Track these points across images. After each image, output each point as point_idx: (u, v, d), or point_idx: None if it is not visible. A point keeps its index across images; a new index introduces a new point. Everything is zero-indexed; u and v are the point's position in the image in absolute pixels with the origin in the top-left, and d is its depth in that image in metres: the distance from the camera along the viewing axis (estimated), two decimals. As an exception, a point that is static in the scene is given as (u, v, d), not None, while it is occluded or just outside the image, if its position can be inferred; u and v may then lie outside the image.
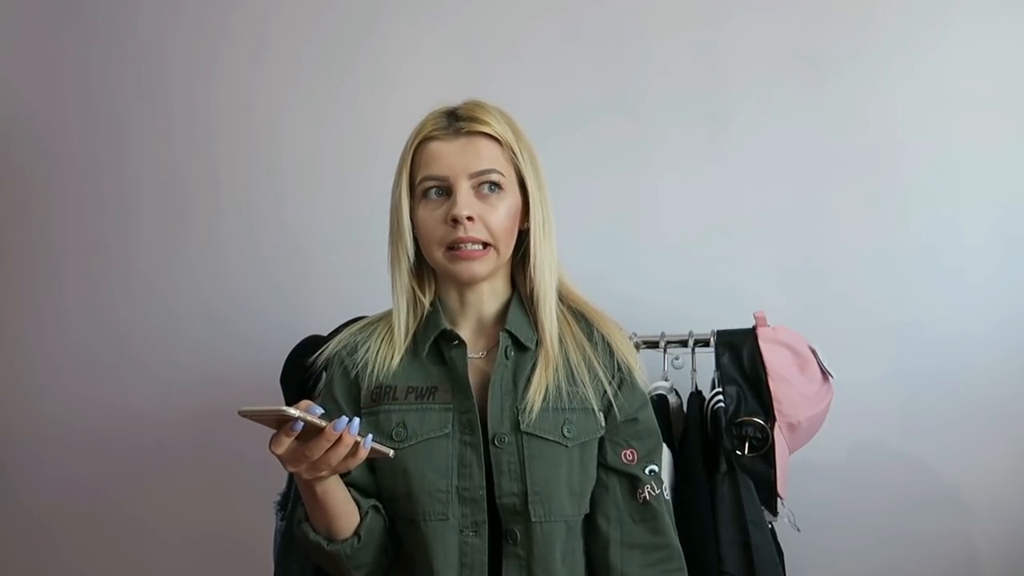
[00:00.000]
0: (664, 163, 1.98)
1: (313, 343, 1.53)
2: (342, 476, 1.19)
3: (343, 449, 1.03)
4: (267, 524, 1.65)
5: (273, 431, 1.02)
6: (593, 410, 1.22)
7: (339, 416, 1.23)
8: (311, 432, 1.01)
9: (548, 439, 1.18)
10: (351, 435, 1.02)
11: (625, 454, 1.23)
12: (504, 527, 1.17)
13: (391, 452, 1.09)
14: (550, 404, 1.19)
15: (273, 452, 1.02)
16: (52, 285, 2.27)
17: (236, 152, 2.18)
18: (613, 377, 1.24)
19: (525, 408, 1.18)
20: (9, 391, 2.30)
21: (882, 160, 1.89)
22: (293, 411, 0.98)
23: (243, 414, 0.98)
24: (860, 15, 1.90)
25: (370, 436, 1.05)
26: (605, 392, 1.23)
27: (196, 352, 2.17)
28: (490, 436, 1.17)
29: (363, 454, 1.05)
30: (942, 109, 1.87)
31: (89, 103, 2.26)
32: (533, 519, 1.16)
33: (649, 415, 1.28)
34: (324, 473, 1.06)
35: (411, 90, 2.07)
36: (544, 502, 1.17)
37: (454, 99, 1.26)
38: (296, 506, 1.23)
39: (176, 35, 2.22)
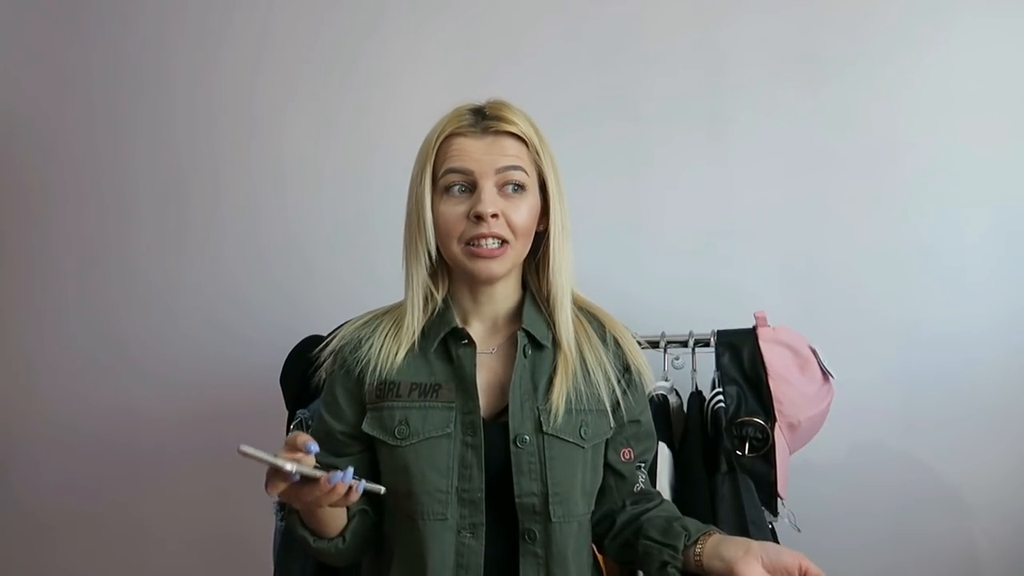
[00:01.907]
0: (665, 164, 1.98)
1: (313, 343, 1.52)
2: None
3: (335, 496, 1.04)
4: (267, 524, 1.65)
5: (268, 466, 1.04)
6: (606, 411, 1.23)
7: (341, 414, 1.24)
8: (306, 477, 1.03)
9: (568, 440, 1.19)
10: (344, 484, 1.03)
11: (624, 452, 1.27)
12: (522, 527, 1.18)
13: (382, 489, 1.10)
14: (572, 406, 1.20)
15: (268, 493, 1.04)
16: (52, 285, 2.27)
17: (237, 152, 2.18)
18: (622, 378, 1.26)
19: (548, 410, 1.19)
20: (9, 392, 2.30)
21: (883, 160, 1.89)
22: (290, 466, 1.00)
23: (242, 453, 1.00)
24: (861, 17, 1.90)
25: (362, 482, 1.05)
26: (614, 391, 1.24)
27: (196, 352, 2.18)
28: (511, 436, 1.18)
29: (355, 496, 1.06)
30: (943, 110, 1.87)
31: (91, 102, 2.26)
32: (553, 519, 1.17)
33: (649, 418, 1.31)
34: (317, 508, 1.08)
35: (413, 91, 2.07)
36: (563, 502, 1.18)
37: (458, 100, 1.25)
38: None
39: (178, 36, 2.22)
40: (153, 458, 2.19)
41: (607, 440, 1.25)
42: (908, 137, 1.89)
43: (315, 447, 1.04)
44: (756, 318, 1.62)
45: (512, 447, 1.17)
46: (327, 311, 1.67)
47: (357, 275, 2.06)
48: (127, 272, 2.23)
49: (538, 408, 1.19)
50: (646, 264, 1.97)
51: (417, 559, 1.17)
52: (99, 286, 2.25)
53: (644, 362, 1.28)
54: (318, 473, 1.02)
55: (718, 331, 1.64)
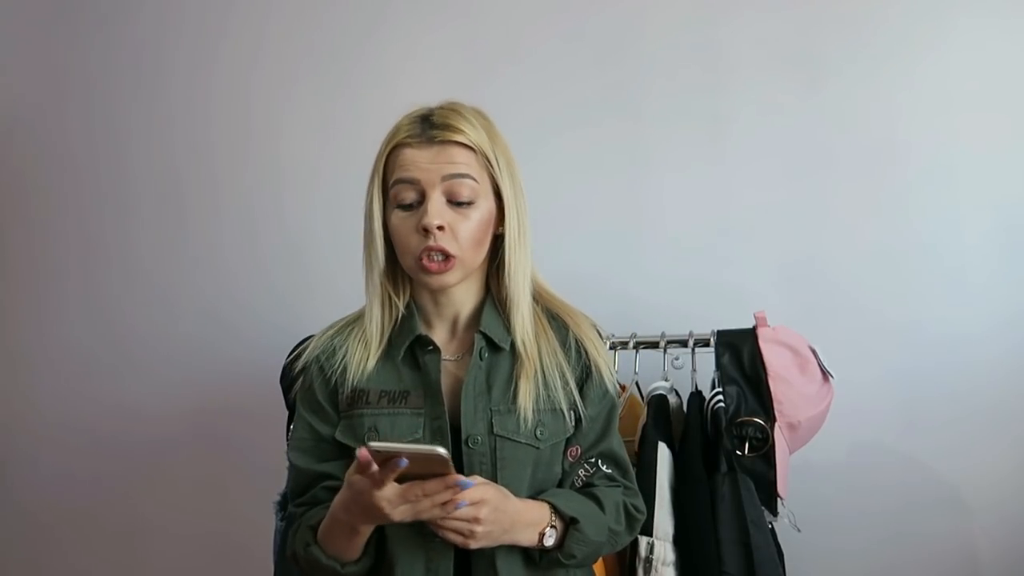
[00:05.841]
0: (665, 163, 1.98)
1: (313, 343, 1.53)
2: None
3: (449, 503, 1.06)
4: (267, 523, 1.65)
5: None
6: (563, 411, 1.22)
7: (328, 418, 1.24)
8: (417, 474, 1.03)
9: (521, 442, 1.19)
10: (463, 491, 1.04)
11: (571, 452, 1.25)
12: None
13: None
14: (532, 408, 1.20)
15: (379, 495, 1.03)
16: (52, 284, 2.27)
17: (236, 152, 2.18)
18: (583, 382, 1.26)
19: (511, 412, 1.19)
20: (9, 390, 2.30)
21: (883, 160, 1.89)
22: (442, 451, 1.01)
23: (372, 449, 1.01)
24: (860, 16, 1.90)
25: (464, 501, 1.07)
26: (572, 394, 1.23)
27: (195, 351, 2.18)
28: (463, 437, 1.18)
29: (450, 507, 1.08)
30: (943, 110, 1.87)
31: (90, 103, 2.26)
32: None
33: (602, 409, 1.27)
34: (420, 517, 1.07)
35: (411, 91, 2.03)
36: None
37: (435, 99, 1.25)
38: (298, 528, 1.21)
39: (176, 36, 2.22)
40: (153, 456, 2.19)
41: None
42: (908, 136, 1.88)
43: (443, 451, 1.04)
44: (756, 318, 1.62)
45: (464, 447, 1.18)
46: (324, 311, 1.65)
47: (354, 276, 2.03)
48: (127, 271, 2.23)
49: (490, 409, 1.20)
50: (646, 264, 1.97)
51: (388, 564, 1.17)
52: (99, 285, 2.25)
53: (607, 363, 1.27)
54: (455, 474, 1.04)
55: (718, 331, 1.64)
